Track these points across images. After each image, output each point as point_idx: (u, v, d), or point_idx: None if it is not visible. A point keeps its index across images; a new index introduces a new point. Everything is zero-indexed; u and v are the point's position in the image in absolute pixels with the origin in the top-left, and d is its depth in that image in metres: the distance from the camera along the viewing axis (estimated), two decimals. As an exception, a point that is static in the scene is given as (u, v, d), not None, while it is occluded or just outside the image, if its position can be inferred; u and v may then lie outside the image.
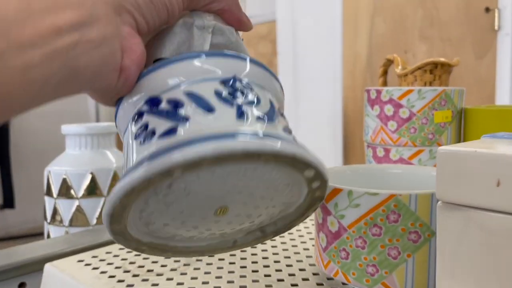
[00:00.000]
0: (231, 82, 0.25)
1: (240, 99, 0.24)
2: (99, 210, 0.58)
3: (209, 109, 0.23)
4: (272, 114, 0.25)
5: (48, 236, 0.59)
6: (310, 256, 0.39)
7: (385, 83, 0.72)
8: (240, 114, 0.24)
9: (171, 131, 0.23)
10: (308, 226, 0.48)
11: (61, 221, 0.58)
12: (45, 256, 0.43)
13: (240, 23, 0.29)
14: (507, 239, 0.20)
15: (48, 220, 0.60)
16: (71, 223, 0.58)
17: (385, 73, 0.72)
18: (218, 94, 0.24)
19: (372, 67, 2.10)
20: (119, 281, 0.35)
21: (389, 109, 0.51)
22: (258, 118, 0.24)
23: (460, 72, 1.89)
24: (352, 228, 0.30)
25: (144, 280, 0.35)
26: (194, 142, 0.21)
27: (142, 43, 0.25)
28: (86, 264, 0.38)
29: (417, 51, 1.98)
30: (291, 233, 0.46)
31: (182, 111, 0.23)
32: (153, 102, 0.24)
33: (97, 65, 0.22)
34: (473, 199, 0.21)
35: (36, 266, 0.42)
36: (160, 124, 0.23)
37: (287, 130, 0.26)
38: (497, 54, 1.78)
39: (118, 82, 0.24)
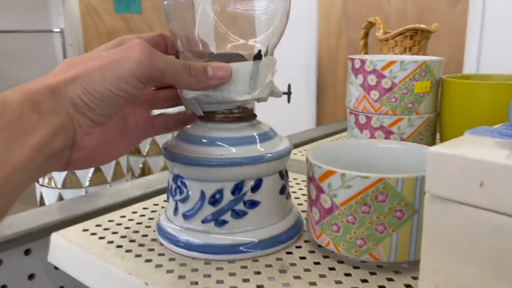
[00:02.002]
0: (176, 179, 0.38)
1: (177, 196, 0.38)
2: (91, 172, 0.60)
3: (167, 199, 0.41)
4: (197, 209, 0.37)
5: (41, 198, 0.61)
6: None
7: (366, 45, 0.74)
8: (175, 209, 0.38)
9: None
10: (298, 195, 0.51)
11: (53, 184, 0.60)
12: (49, 224, 0.45)
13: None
14: (485, 231, 0.23)
15: (40, 183, 0.61)
16: (64, 186, 0.59)
17: (366, 35, 0.74)
18: (169, 187, 0.40)
19: (347, 14, 2.09)
20: (127, 251, 0.38)
21: (372, 79, 0.54)
22: (183, 214, 0.37)
23: (434, 20, 1.91)
24: (343, 206, 0.33)
25: (150, 250, 0.38)
26: None
27: (93, 139, 0.31)
28: (92, 234, 0.41)
29: (392, -2, 1.97)
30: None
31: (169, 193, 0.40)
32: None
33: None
34: (459, 195, 0.24)
35: (39, 234, 0.44)
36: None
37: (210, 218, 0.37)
38: (469, 2, 1.80)
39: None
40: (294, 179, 0.56)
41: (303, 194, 0.50)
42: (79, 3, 3.02)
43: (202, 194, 0.36)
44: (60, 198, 0.59)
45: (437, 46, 1.87)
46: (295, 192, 0.51)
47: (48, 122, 0.27)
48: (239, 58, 0.36)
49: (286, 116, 2.34)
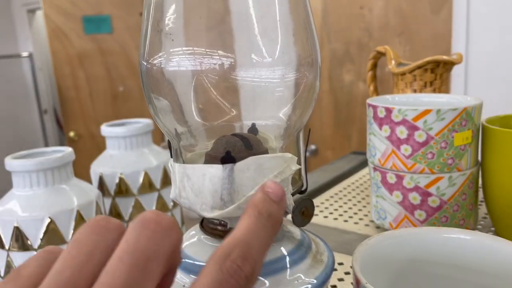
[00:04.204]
0: None
1: None
2: (42, 231, 0.49)
3: None
4: None
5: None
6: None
7: (374, 78, 0.65)
8: None
9: None
10: None
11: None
12: None
13: None
14: None
15: (2, 275, 0.50)
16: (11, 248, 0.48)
17: (374, 66, 0.65)
18: None
19: (328, 24, 2.03)
20: None
21: (402, 131, 0.44)
22: None
23: (417, 27, 1.86)
24: None
25: None
26: None
27: None
28: None
29: (373, 6, 1.91)
30: None
31: None
32: None
33: None
34: None
35: None
36: None
37: None
38: (453, 8, 1.75)
39: None
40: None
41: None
42: (45, 25, 2.87)
43: None
44: (8, 264, 0.49)
45: (422, 53, 1.82)
46: None
47: None
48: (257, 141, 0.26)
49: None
